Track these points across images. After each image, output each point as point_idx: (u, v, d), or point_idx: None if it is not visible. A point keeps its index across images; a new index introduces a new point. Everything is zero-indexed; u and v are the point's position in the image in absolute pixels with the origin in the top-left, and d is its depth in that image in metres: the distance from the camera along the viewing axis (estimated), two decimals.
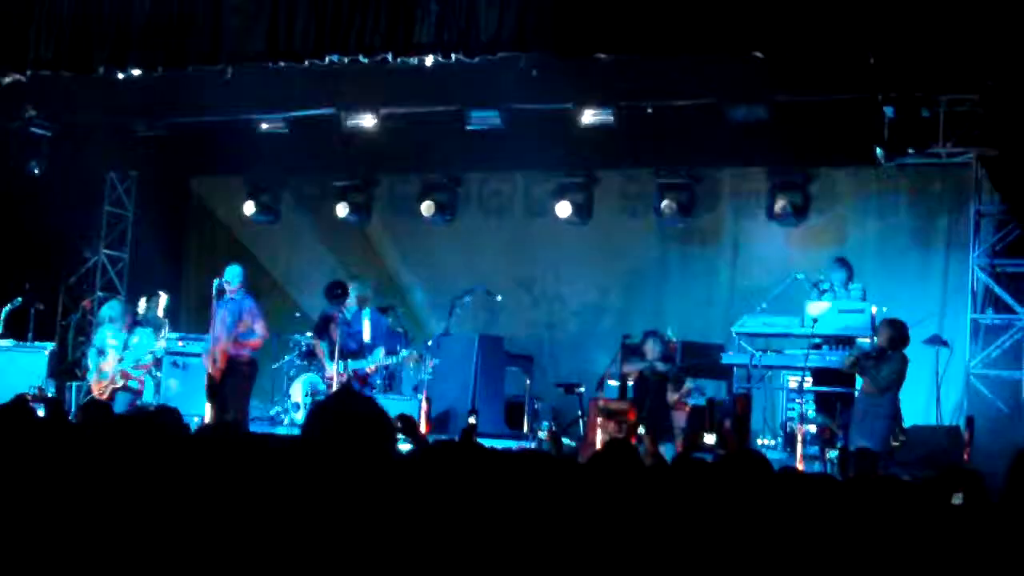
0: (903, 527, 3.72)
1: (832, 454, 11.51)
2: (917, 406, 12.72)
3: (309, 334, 14.03)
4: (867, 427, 10.66)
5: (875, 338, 11.31)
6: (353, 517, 3.13)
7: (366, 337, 12.19)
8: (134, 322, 13.47)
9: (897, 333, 10.86)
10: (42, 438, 4.46)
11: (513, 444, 11.50)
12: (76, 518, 3.64)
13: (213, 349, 12.04)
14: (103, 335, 13.01)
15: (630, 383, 12.90)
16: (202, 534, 3.48)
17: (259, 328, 12.10)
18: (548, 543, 3.34)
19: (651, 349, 12.60)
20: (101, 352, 12.91)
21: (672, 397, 12.86)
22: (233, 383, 11.99)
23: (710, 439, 8.20)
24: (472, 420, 11.14)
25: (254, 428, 12.20)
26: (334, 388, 12.43)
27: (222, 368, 11.96)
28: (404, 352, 13.25)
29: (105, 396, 12.49)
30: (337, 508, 3.14)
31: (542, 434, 12.80)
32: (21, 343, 14.27)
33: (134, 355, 12.82)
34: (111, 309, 13.34)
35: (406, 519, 3.27)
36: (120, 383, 12.65)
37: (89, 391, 13.17)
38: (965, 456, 11.12)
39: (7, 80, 13.65)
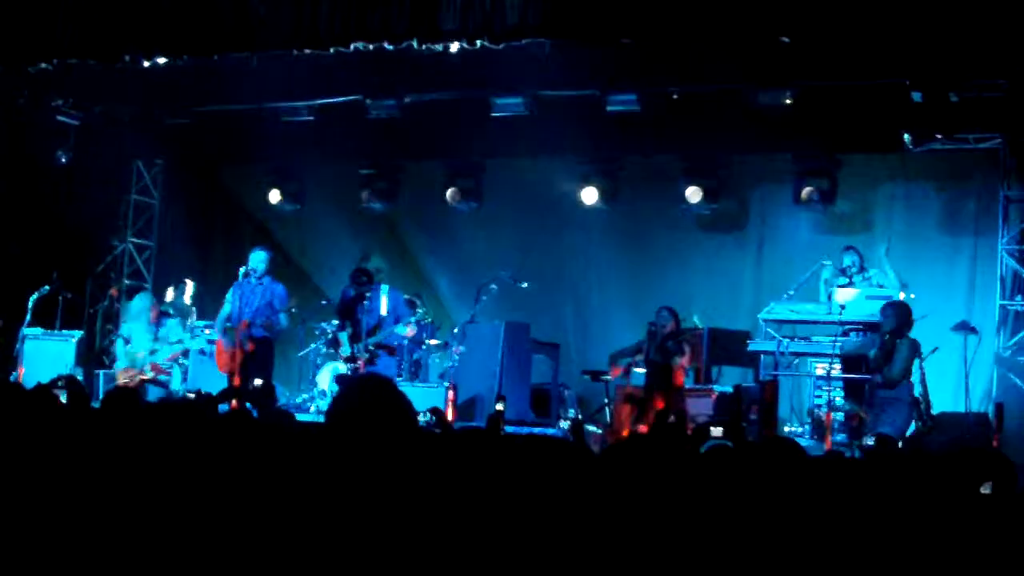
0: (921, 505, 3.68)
1: (868, 441, 11.41)
2: (945, 393, 12.64)
3: (336, 322, 13.93)
4: (887, 415, 10.59)
5: (882, 325, 11.10)
6: (376, 501, 3.12)
7: (383, 311, 12.28)
8: (161, 313, 13.57)
9: (904, 317, 10.78)
10: (63, 425, 4.47)
11: (539, 432, 11.47)
12: (93, 503, 3.65)
13: (237, 330, 12.14)
14: (132, 326, 13.14)
15: (636, 371, 12.88)
16: (231, 517, 3.49)
17: (285, 315, 12.35)
18: (567, 530, 3.33)
19: (662, 324, 12.58)
20: (128, 341, 13.03)
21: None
22: (259, 363, 12.15)
23: (717, 432, 8.09)
24: (500, 406, 11.10)
25: None
26: (360, 368, 12.52)
27: (251, 350, 12.09)
28: (420, 311, 13.21)
29: (132, 385, 12.58)
30: (361, 491, 3.13)
31: (564, 423, 12.75)
32: (49, 331, 14.33)
33: (169, 348, 12.95)
34: (142, 301, 13.49)
35: (428, 502, 3.27)
36: (150, 375, 12.76)
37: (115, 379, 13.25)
38: (994, 443, 11.04)
39: (34, 69, 13.71)
